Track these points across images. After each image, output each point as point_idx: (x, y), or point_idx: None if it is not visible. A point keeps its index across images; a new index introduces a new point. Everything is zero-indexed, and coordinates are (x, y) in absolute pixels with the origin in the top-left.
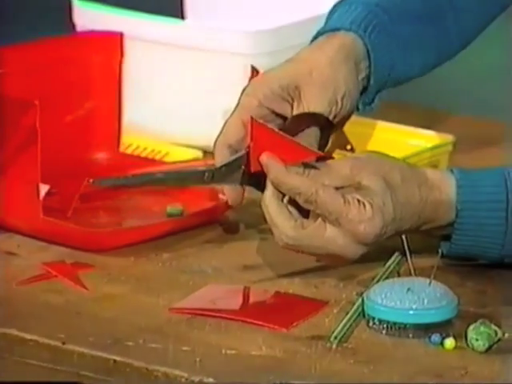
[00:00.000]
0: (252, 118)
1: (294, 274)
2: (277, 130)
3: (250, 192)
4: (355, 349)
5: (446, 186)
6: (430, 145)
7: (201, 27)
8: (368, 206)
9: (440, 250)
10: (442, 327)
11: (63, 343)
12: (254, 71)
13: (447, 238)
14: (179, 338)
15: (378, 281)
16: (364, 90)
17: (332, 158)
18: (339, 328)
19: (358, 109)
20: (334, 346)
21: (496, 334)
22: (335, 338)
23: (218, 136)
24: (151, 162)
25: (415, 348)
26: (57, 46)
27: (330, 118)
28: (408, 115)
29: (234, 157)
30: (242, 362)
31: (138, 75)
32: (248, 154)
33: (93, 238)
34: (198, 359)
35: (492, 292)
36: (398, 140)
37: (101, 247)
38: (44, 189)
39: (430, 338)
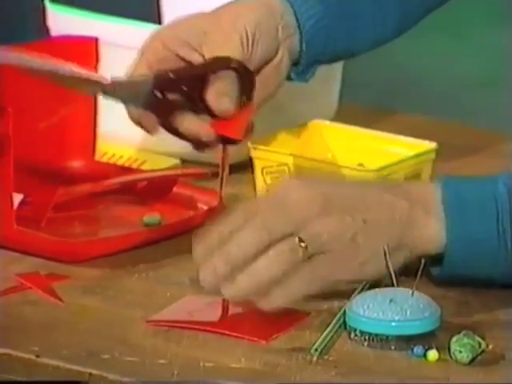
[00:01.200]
0: None
1: None
2: None
3: (230, 201)
4: (336, 361)
5: (431, 223)
6: (412, 153)
7: None
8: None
9: (423, 260)
10: (425, 339)
11: (37, 356)
12: None
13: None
14: (156, 351)
15: (359, 292)
16: (296, 60)
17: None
18: (320, 340)
19: (290, 78)
20: (315, 358)
21: (480, 345)
22: (316, 350)
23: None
24: (128, 170)
25: (398, 360)
26: (30, 51)
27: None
28: (389, 122)
29: (141, 78)
30: (220, 375)
31: None
32: (159, 79)
33: (67, 248)
34: (175, 372)
35: (475, 303)
36: (380, 148)
37: (76, 258)
38: (17, 198)
39: (412, 349)
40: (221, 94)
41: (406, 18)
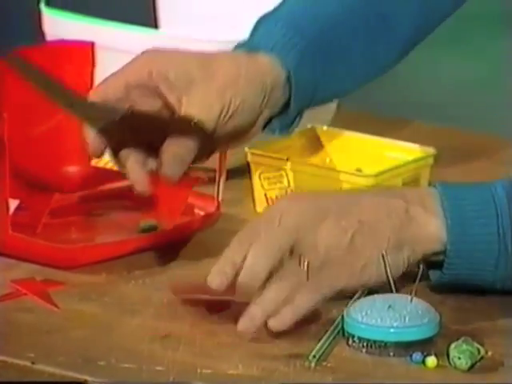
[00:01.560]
0: None
1: None
2: None
3: (227, 207)
4: (334, 367)
5: (430, 220)
6: (411, 158)
7: (175, 36)
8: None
9: (421, 266)
10: (424, 345)
11: (33, 363)
12: None
13: (434, 264)
14: (153, 358)
15: (358, 298)
16: (282, 111)
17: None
18: (318, 346)
19: (273, 131)
20: (313, 364)
21: (479, 352)
22: (314, 356)
23: (99, 84)
24: (124, 176)
25: (396, 367)
26: (26, 56)
27: (211, 127)
28: (387, 127)
29: (110, 106)
30: (218, 382)
31: None
32: (129, 114)
33: (63, 254)
34: (172, 379)
35: (474, 309)
36: (378, 153)
37: (72, 264)
38: (13, 204)
39: (411, 356)
40: (176, 158)
41: (398, 53)
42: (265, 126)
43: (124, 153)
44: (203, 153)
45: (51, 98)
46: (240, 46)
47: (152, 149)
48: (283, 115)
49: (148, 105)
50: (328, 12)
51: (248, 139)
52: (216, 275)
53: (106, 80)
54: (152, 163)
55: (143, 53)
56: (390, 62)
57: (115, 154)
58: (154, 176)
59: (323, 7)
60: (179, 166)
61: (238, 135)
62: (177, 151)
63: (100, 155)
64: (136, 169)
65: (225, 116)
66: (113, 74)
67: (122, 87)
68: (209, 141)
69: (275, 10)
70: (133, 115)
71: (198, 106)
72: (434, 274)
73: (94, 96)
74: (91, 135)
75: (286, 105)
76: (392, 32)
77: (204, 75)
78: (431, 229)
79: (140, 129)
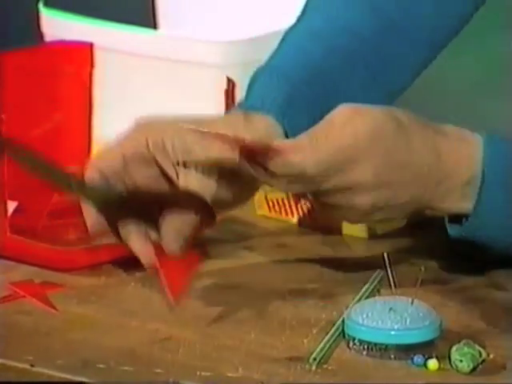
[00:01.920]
0: None
1: (272, 293)
2: None
3: None
4: (335, 370)
5: (469, 138)
6: None
7: (174, 37)
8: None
9: (422, 268)
10: (425, 348)
11: (31, 366)
12: (230, 82)
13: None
14: (152, 360)
15: (358, 300)
16: None
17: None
18: (318, 349)
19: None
20: (314, 367)
21: (480, 354)
22: (314, 359)
23: (96, 158)
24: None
25: (397, 369)
26: (24, 57)
27: (210, 198)
28: None
29: (108, 186)
30: None
31: (109, 87)
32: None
33: (62, 256)
34: (171, 381)
35: (476, 312)
36: None
37: (71, 266)
38: (12, 205)
39: (412, 359)
40: (176, 233)
41: (396, 84)
42: None
43: (124, 227)
44: (203, 224)
45: (49, 181)
46: (239, 106)
47: (151, 220)
48: None
49: (145, 175)
50: (318, 57)
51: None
52: None
53: (101, 153)
54: (153, 235)
55: (138, 123)
56: (405, 83)
57: (115, 228)
58: (158, 248)
59: (312, 54)
60: (180, 240)
61: (238, 200)
62: (176, 226)
63: (100, 235)
64: (140, 242)
65: (223, 188)
66: (109, 147)
67: (119, 159)
68: (209, 212)
69: (269, 61)
70: (132, 193)
71: (196, 178)
72: (453, 229)
73: (91, 170)
74: (92, 215)
75: None
76: (405, 53)
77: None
78: (467, 170)
79: (139, 204)
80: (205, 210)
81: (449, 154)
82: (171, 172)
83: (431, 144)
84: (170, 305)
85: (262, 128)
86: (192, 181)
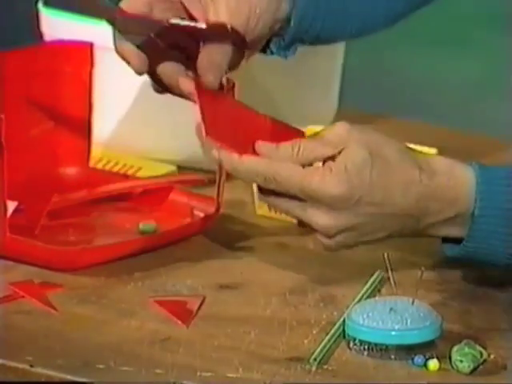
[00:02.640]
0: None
1: (272, 293)
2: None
3: (227, 208)
4: (335, 371)
5: (459, 172)
6: None
7: None
8: (333, 170)
9: (422, 269)
10: (426, 348)
11: (31, 366)
12: (230, 82)
13: (447, 240)
14: (152, 361)
15: (359, 300)
16: (280, 33)
17: (295, 130)
18: (319, 349)
19: (271, 53)
20: (314, 367)
21: (481, 355)
22: (315, 359)
23: (122, 3)
24: (123, 177)
25: (398, 370)
26: (24, 56)
27: (245, 33)
28: (389, 128)
29: (150, 19)
30: None
31: (108, 86)
32: (164, 29)
33: (62, 256)
34: (171, 382)
35: (477, 312)
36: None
37: (70, 266)
38: (11, 205)
39: (413, 359)
40: (213, 64)
41: (395, 10)
42: (264, 50)
43: (164, 67)
44: (236, 60)
45: (93, 15)
46: None
47: (188, 61)
48: (283, 36)
49: (172, 16)
50: None
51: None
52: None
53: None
54: (190, 74)
55: None
56: (387, 19)
57: (155, 72)
58: (197, 83)
59: None
60: (217, 71)
61: (259, 42)
62: (213, 57)
63: (144, 71)
64: (180, 76)
65: (253, 20)
66: None
67: (146, 3)
68: (241, 46)
69: None
70: (170, 27)
71: (227, 13)
72: (450, 248)
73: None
74: (133, 51)
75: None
76: None
77: None
78: (453, 206)
79: (176, 41)
80: (237, 39)
81: (435, 198)
82: (198, 13)
83: (415, 192)
84: (204, 132)
85: None
86: (222, 13)
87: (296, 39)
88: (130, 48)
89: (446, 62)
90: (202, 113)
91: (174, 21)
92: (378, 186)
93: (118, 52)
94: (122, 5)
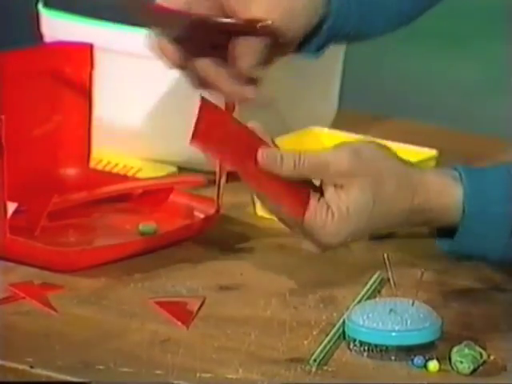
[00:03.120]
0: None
1: (272, 294)
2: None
3: (227, 210)
4: (335, 372)
5: (449, 191)
6: (412, 160)
7: None
8: (336, 216)
9: (422, 270)
10: (426, 349)
11: (31, 367)
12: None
13: (443, 231)
14: (152, 362)
15: (359, 301)
16: (314, 32)
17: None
18: (319, 350)
19: (303, 52)
20: (314, 368)
21: (481, 356)
22: (314, 360)
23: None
24: (123, 178)
25: (398, 371)
26: (24, 57)
27: (283, 30)
28: (390, 129)
29: (183, 12)
30: None
31: (108, 87)
32: (200, 24)
33: (62, 257)
34: (171, 383)
35: (477, 313)
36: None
37: (70, 267)
38: (11, 207)
39: (412, 360)
40: (249, 53)
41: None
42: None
43: (198, 62)
44: (270, 56)
45: (128, 11)
46: None
47: (222, 57)
48: (316, 35)
49: (209, 8)
50: None
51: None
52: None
53: None
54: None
55: None
56: (412, 12)
57: (184, 63)
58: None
59: None
60: (252, 57)
61: (295, 40)
62: (248, 46)
63: (179, 65)
64: (222, 76)
65: (291, 17)
66: None
67: (185, 1)
68: (276, 43)
69: None
70: (203, 21)
71: (265, 8)
72: (444, 244)
73: None
74: (168, 45)
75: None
76: None
77: None
78: (444, 220)
79: (211, 37)
80: (273, 40)
81: (424, 215)
82: (237, 8)
83: (406, 214)
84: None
85: None
86: (262, 8)
87: (329, 39)
88: (165, 42)
89: (446, 63)
90: (197, 121)
91: (207, 16)
92: (375, 221)
93: (152, 47)
94: (161, 3)
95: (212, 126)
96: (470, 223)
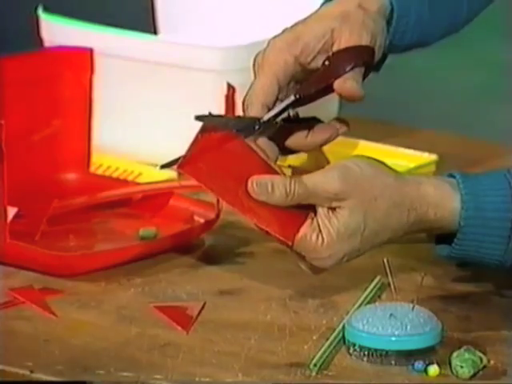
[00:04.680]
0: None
1: (272, 299)
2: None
3: (227, 214)
4: (335, 376)
5: (447, 203)
6: (412, 165)
7: (174, 42)
8: (325, 241)
9: (423, 275)
10: (426, 354)
11: (31, 372)
12: (230, 88)
13: (442, 237)
14: (152, 366)
15: (359, 306)
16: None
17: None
18: (319, 355)
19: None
20: (314, 373)
21: (481, 360)
22: (315, 365)
23: (250, 94)
24: (123, 182)
25: (398, 376)
26: (24, 62)
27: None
28: (390, 134)
29: (282, 105)
30: None
31: (108, 92)
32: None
33: (62, 262)
34: None
35: (476, 317)
36: (381, 160)
37: (70, 272)
38: (12, 211)
39: (413, 365)
40: (349, 79)
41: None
42: None
43: (290, 143)
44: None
45: (232, 128)
46: None
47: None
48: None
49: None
50: None
51: None
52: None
53: (254, 84)
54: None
55: (268, 47)
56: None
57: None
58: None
59: None
60: (354, 80)
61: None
62: (352, 77)
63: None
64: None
65: (379, 39)
66: (256, 80)
67: (275, 86)
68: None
69: None
70: (288, 121)
71: (352, 40)
72: (442, 250)
73: (257, 107)
74: (267, 144)
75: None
76: None
77: (341, 20)
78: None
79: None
80: (367, 57)
81: (420, 227)
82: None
83: (401, 232)
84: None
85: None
86: (347, 40)
87: (388, 53)
88: (265, 141)
89: (447, 67)
90: (190, 148)
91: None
92: (370, 240)
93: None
94: (254, 94)
95: (204, 154)
96: (468, 229)
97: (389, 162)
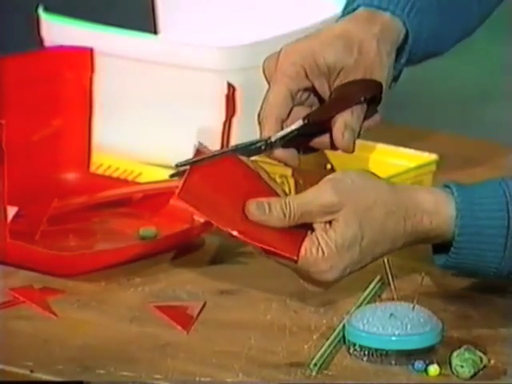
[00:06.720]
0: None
1: (272, 299)
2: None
3: None
4: (335, 376)
5: (442, 211)
6: (413, 164)
7: (174, 42)
8: (326, 254)
9: (423, 274)
10: (426, 354)
11: (31, 371)
12: (231, 87)
13: (439, 246)
14: (152, 366)
15: (359, 306)
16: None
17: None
18: (319, 355)
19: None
20: (314, 373)
21: (481, 360)
22: (315, 365)
23: (264, 108)
24: (123, 182)
25: (398, 375)
26: (24, 62)
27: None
28: (390, 134)
29: (289, 129)
30: None
31: (109, 92)
32: (305, 124)
33: (62, 262)
34: None
35: (477, 317)
36: (381, 159)
37: (70, 272)
38: (12, 211)
39: (413, 364)
40: (347, 128)
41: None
42: None
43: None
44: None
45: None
46: (358, 5)
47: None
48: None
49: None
50: None
51: None
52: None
53: (267, 97)
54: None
55: (284, 53)
56: (481, 13)
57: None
58: None
59: None
60: (350, 135)
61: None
62: (346, 121)
63: (295, 164)
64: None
65: (387, 69)
66: (271, 89)
67: (289, 98)
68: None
69: None
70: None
71: (367, 72)
72: (438, 259)
73: (271, 123)
74: (287, 153)
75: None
76: None
77: (355, 51)
78: (437, 239)
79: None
80: (376, 92)
81: (416, 238)
82: (327, 90)
83: (399, 243)
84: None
85: (392, 26)
86: (367, 71)
87: (403, 65)
88: (284, 152)
89: (447, 67)
90: (186, 177)
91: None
92: (369, 250)
93: (272, 156)
94: (268, 108)
95: (201, 182)
96: (464, 238)
97: (389, 161)
